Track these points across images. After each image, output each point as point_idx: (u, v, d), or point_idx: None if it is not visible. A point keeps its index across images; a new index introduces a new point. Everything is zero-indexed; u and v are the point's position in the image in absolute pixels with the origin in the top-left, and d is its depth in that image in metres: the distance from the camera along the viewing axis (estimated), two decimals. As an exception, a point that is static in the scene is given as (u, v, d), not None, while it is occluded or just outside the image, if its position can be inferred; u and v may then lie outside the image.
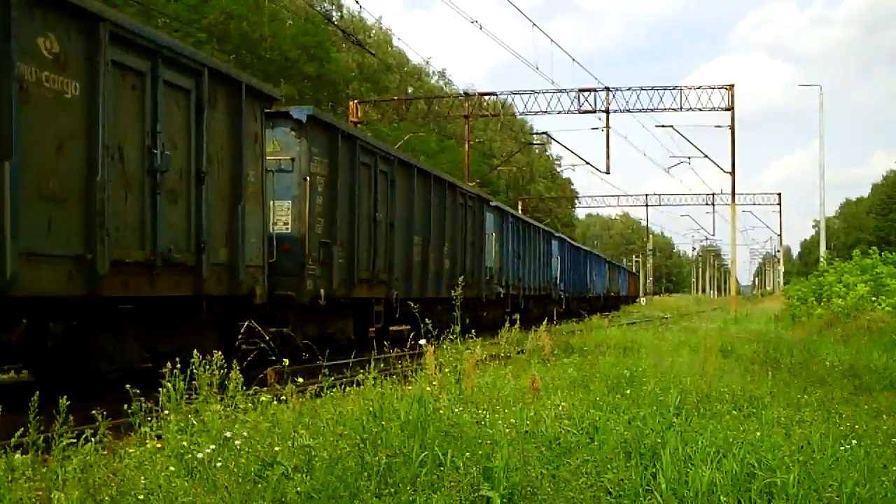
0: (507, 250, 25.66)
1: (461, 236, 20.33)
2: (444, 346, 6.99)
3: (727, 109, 34.11)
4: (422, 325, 6.59)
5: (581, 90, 34.34)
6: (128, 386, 5.01)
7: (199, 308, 9.96)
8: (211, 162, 9.91)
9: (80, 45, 7.88)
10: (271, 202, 11.76)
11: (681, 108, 34.03)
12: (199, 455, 4.31)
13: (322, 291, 12.79)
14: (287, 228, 12.38)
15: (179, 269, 9.36)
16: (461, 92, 46.58)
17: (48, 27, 7.49)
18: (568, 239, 41.28)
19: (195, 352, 5.42)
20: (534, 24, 63.57)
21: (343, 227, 13.67)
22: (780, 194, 60.95)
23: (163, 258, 8.97)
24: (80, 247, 7.81)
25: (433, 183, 18.24)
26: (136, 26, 9.04)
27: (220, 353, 5.55)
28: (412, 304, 8.35)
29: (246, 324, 6.95)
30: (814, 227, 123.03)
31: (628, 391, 7.30)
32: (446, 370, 6.86)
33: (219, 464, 4.17)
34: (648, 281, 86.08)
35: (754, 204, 60.86)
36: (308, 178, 12.49)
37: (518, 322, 13.98)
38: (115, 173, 8.30)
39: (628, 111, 34.06)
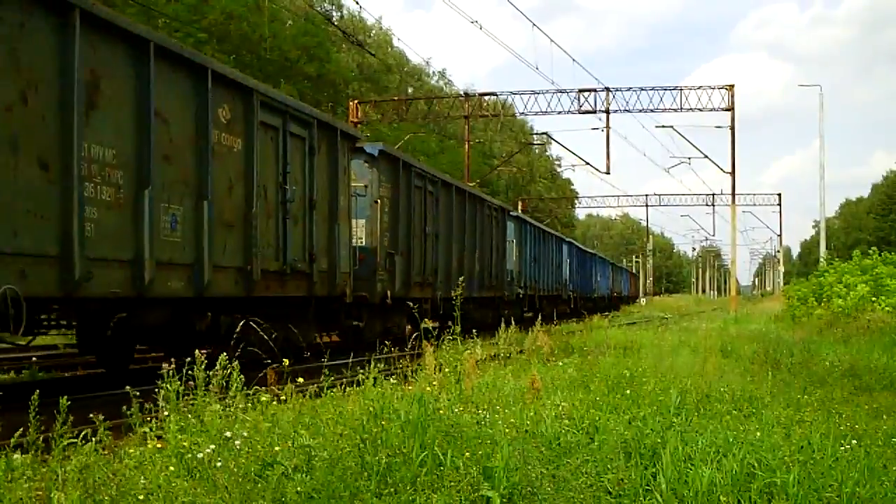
0: (525, 255, 28.29)
1: (488, 243, 23.14)
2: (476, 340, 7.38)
3: (727, 109, 34.10)
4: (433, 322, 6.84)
5: (581, 90, 34.35)
6: (127, 388, 5.02)
7: (308, 304, 12.74)
8: (319, 192, 12.67)
9: (242, 112, 10.64)
10: (353, 221, 14.40)
11: (681, 108, 34.04)
12: (199, 455, 4.31)
13: (388, 293, 15.44)
14: (362, 242, 15.15)
15: (300, 276, 12.10)
16: (461, 92, 46.58)
17: (224, 100, 10.25)
18: (576, 243, 44.03)
19: (197, 352, 5.43)
20: (534, 25, 63.67)
21: (403, 239, 16.47)
22: (780, 194, 60.94)
23: (291, 267, 11.73)
24: (242, 260, 10.56)
25: (466, 198, 21.19)
26: (274, 93, 12.04)
27: (224, 354, 5.55)
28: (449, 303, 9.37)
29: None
30: (814, 227, 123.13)
31: (628, 391, 7.30)
32: (446, 370, 6.86)
33: (219, 464, 4.17)
34: (648, 281, 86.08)
35: (754, 204, 60.88)
36: (378, 201, 15.42)
37: (539, 319, 16.00)
38: (262, 205, 11.07)
39: (628, 111, 34.08)
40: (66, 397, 4.48)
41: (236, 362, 5.58)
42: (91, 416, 4.66)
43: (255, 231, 10.67)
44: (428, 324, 13.78)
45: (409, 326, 16.29)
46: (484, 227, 22.69)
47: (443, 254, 18.97)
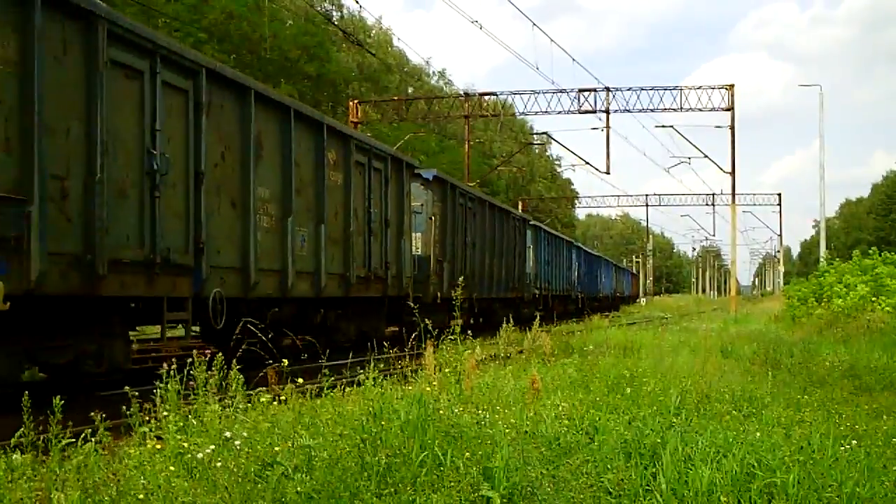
0: (541, 259, 31.56)
1: (512, 250, 26.48)
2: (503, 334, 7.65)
3: (727, 109, 34.10)
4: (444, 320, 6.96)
5: (581, 90, 34.35)
6: (127, 388, 5.02)
7: (382, 303, 15.94)
8: (391, 213, 15.92)
9: (342, 154, 13.87)
10: (412, 234, 17.50)
11: (681, 108, 34.03)
12: (199, 455, 4.31)
13: (438, 294, 18.63)
14: (419, 251, 18.34)
15: (378, 280, 15.25)
16: (461, 92, 46.61)
17: (332, 147, 13.40)
18: (584, 247, 48.19)
19: (194, 352, 5.45)
20: (534, 24, 63.53)
21: (449, 249, 19.85)
22: (780, 194, 60.93)
23: (374, 274, 14.99)
24: (342, 269, 13.79)
25: (496, 211, 25.10)
26: (364, 137, 16.26)
27: (220, 354, 5.56)
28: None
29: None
30: (814, 227, 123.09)
31: (628, 391, 7.30)
32: (446, 370, 6.86)
33: (219, 464, 4.17)
34: (648, 281, 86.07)
35: (754, 204, 60.91)
36: (432, 218, 18.89)
37: (554, 317, 20.59)
38: (355, 226, 14.25)
39: (628, 111, 34.07)
40: (59, 397, 4.48)
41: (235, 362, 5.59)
42: (92, 415, 4.66)
43: (351, 246, 14.00)
44: (457, 322, 16.26)
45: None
46: (508, 236, 26.03)
47: (478, 260, 22.44)
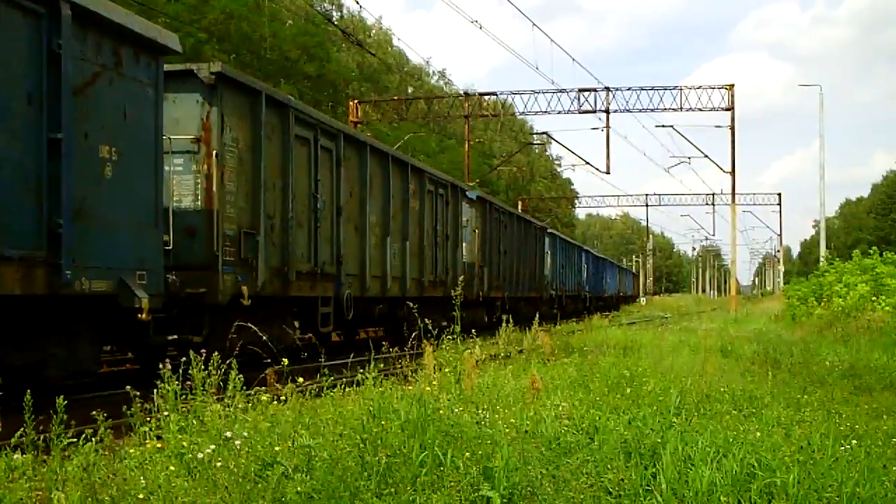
0: (556, 263, 35.36)
1: (534, 255, 30.49)
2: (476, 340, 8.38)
3: (727, 109, 34.11)
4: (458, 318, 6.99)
5: (581, 90, 34.35)
6: (128, 387, 5.03)
7: (444, 301, 17.60)
8: (450, 228, 19.98)
9: (419, 185, 17.92)
10: (462, 244, 21.15)
11: (681, 108, 34.05)
12: (199, 455, 4.31)
13: (480, 293, 22.52)
14: (466, 259, 21.46)
15: (441, 283, 18.90)
16: (461, 92, 46.56)
17: (412, 180, 17.39)
18: (592, 251, 52.69)
19: (190, 352, 5.48)
20: (534, 24, 63.53)
21: (488, 255, 23.77)
22: (780, 194, 60.94)
23: (439, 278, 18.86)
24: (418, 274, 17.65)
25: (522, 222, 29.10)
26: (434, 171, 20.27)
27: (216, 354, 5.57)
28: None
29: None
30: (814, 227, 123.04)
31: (628, 391, 7.30)
32: (446, 370, 6.86)
33: (219, 464, 4.17)
34: (648, 281, 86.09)
35: (754, 204, 60.91)
36: (476, 230, 22.57)
37: (561, 314, 26.63)
38: (427, 240, 18.31)
39: (628, 111, 34.08)
40: (62, 397, 4.48)
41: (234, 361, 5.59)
42: (93, 414, 4.66)
43: (425, 257, 18.03)
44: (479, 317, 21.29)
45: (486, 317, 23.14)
46: (530, 243, 29.92)
47: (511, 265, 26.39)
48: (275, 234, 11.42)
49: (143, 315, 7.80)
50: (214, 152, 10.06)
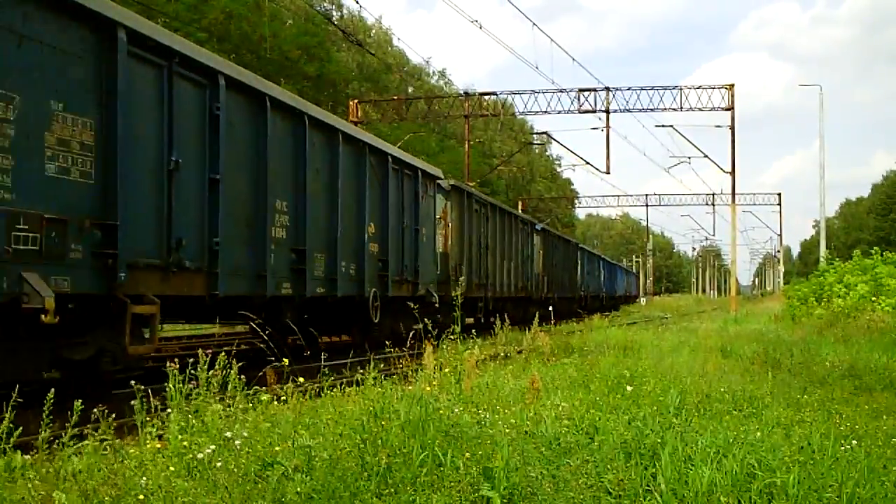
0: (584, 270, 45.00)
1: (571, 266, 39.88)
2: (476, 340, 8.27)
3: (727, 109, 34.10)
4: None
5: (581, 90, 34.35)
6: (133, 382, 5.03)
7: (530, 301, 26.84)
8: (514, 248, 27.20)
9: (458, 201, 21.24)
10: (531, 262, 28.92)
11: (681, 108, 34.03)
12: (200, 455, 4.31)
13: (542, 294, 30.49)
14: (536, 270, 30.67)
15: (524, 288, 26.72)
16: (461, 92, 46.53)
17: (446, 197, 20.63)
18: (606, 258, 62.10)
19: (200, 351, 5.48)
20: (534, 24, 63.53)
21: (550, 268, 32.80)
22: (780, 194, 60.95)
23: (523, 283, 28.22)
24: (481, 279, 22.86)
25: (563, 241, 38.11)
26: (477, 193, 23.73)
27: (223, 354, 5.57)
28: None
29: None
30: (814, 227, 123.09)
31: (628, 391, 7.29)
32: (446, 370, 6.86)
33: (219, 464, 4.17)
34: (648, 281, 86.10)
35: (754, 204, 60.93)
36: (541, 251, 31.71)
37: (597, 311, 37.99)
38: (479, 252, 22.35)
39: (628, 111, 34.07)
40: (79, 401, 4.48)
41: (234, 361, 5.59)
42: (95, 411, 4.67)
43: (485, 266, 23.58)
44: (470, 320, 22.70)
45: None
46: (569, 256, 39.36)
47: (557, 275, 34.18)
48: (471, 262, 21.75)
49: (437, 304, 16.71)
50: (449, 225, 20.52)
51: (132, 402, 4.96)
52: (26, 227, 6.86)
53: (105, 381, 8.00)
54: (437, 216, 18.87)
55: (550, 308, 22.80)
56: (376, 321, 14.21)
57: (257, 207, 10.60)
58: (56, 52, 7.32)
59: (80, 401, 4.49)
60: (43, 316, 6.63)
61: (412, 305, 9.46)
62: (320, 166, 12.37)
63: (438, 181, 18.87)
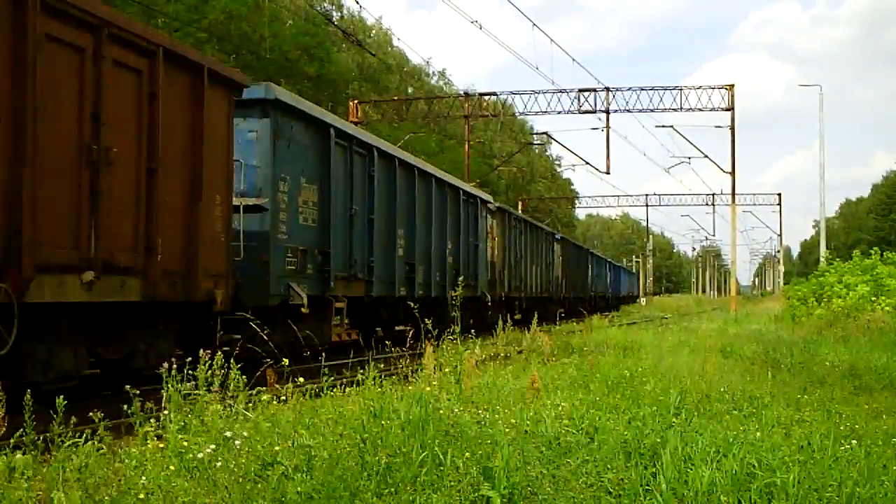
0: (593, 274, 49.17)
1: (584, 269, 43.82)
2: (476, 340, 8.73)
3: (727, 109, 34.09)
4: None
5: (581, 90, 34.34)
6: (127, 387, 5.03)
7: (551, 301, 31.37)
8: (540, 256, 31.38)
9: (501, 219, 25.40)
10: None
11: (681, 108, 34.03)
12: (200, 455, 4.31)
13: (560, 295, 33.34)
14: (556, 274, 34.83)
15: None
16: (461, 92, 46.52)
17: (493, 216, 24.47)
18: (612, 261, 67.60)
19: (201, 350, 5.49)
20: (534, 24, 63.49)
21: (566, 272, 36.13)
22: (780, 194, 60.95)
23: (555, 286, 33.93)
24: (518, 282, 27.52)
25: (576, 247, 42.24)
26: (513, 211, 29.68)
27: (220, 353, 5.58)
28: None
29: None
30: (814, 227, 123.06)
31: (628, 391, 7.29)
32: (446, 370, 6.86)
33: (219, 463, 4.17)
34: (648, 281, 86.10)
35: (754, 204, 60.96)
36: (560, 257, 35.68)
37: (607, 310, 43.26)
38: (516, 260, 26.97)
39: (628, 111, 34.06)
40: (62, 397, 4.48)
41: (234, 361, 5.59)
42: (91, 415, 4.66)
43: (510, 270, 25.83)
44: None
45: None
46: (581, 261, 42.34)
47: (570, 276, 36.48)
48: (511, 269, 26.18)
49: (489, 303, 22.00)
50: (495, 238, 24.33)
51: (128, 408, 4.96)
52: (291, 256, 11.68)
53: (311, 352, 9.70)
54: (487, 232, 23.72)
55: (560, 308, 27.96)
56: (453, 314, 17.89)
57: (390, 235, 15.68)
58: (301, 146, 12.12)
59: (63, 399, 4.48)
60: (302, 309, 11.34)
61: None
62: (421, 202, 17.48)
63: (488, 204, 23.99)
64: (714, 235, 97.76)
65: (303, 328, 10.59)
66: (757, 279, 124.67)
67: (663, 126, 36.89)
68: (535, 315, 15.23)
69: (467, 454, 4.58)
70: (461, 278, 17.08)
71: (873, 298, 21.43)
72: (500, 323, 12.17)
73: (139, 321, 8.42)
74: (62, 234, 6.97)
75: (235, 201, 10.11)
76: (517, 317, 24.03)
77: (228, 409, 5.27)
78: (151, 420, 5.03)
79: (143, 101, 7.95)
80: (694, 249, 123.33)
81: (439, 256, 18.55)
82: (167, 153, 8.25)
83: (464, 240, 20.60)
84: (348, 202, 13.62)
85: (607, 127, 34.26)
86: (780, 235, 64.32)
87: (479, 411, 5.78)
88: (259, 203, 10.97)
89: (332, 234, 12.80)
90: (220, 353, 5.61)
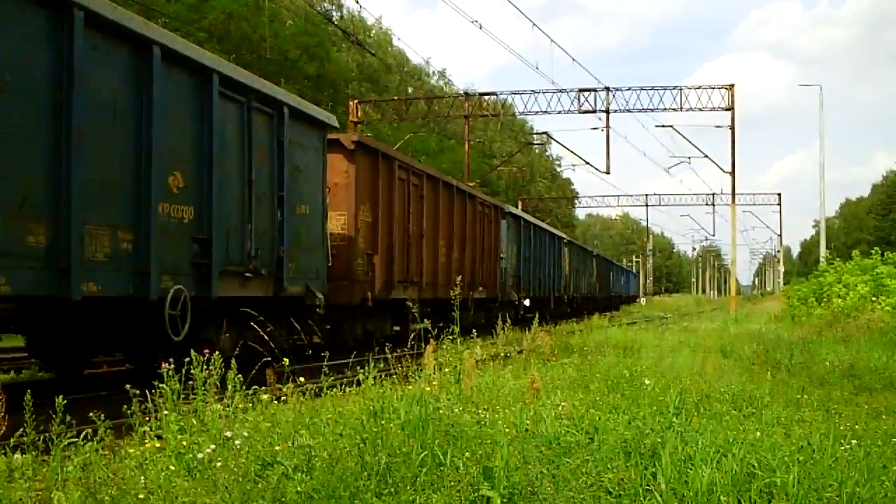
0: (604, 275, 54.35)
1: (588, 270, 46.43)
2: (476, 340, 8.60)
3: (727, 109, 34.09)
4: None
5: (581, 90, 34.34)
6: (127, 386, 5.02)
7: (560, 300, 36.20)
8: (549, 258, 34.03)
9: (515, 225, 28.64)
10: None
11: (681, 108, 34.03)
12: (200, 455, 4.31)
13: (568, 294, 37.59)
14: (564, 274, 37.89)
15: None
16: (461, 92, 46.50)
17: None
18: (623, 266, 77.44)
19: (192, 352, 5.46)
20: (534, 24, 63.58)
21: (573, 273, 39.03)
22: (779, 194, 60.99)
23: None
24: (529, 283, 30.78)
25: (583, 250, 46.67)
26: (525, 216, 31.68)
27: (217, 353, 5.57)
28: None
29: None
30: (814, 227, 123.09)
31: (628, 391, 7.29)
32: (446, 370, 6.86)
33: (219, 463, 4.17)
34: (648, 281, 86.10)
35: (754, 204, 60.97)
36: (567, 260, 37.92)
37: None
38: (527, 261, 30.32)
39: (628, 111, 34.07)
40: (62, 396, 4.48)
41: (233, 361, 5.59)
42: (91, 415, 4.66)
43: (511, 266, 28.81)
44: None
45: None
46: (601, 268, 50.25)
47: (584, 277, 41.29)
48: (530, 268, 29.59)
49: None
50: (566, 259, 35.59)
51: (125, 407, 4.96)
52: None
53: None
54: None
55: (563, 306, 33.21)
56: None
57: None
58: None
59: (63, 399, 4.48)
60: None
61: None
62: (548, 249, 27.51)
63: (564, 239, 31.30)
64: (714, 235, 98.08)
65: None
66: (757, 279, 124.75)
67: (663, 126, 36.91)
68: (536, 315, 16.00)
69: (467, 454, 4.58)
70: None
71: (873, 298, 21.42)
72: (500, 323, 12.50)
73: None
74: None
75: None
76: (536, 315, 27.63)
77: (227, 408, 5.26)
78: (151, 420, 5.03)
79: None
80: (694, 249, 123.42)
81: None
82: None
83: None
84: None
85: (607, 127, 34.30)
86: (780, 235, 64.40)
87: (479, 411, 5.78)
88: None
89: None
90: (216, 352, 5.60)
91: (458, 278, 8.15)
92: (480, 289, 22.80)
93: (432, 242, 19.23)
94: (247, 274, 10.63)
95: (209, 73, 9.94)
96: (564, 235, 39.57)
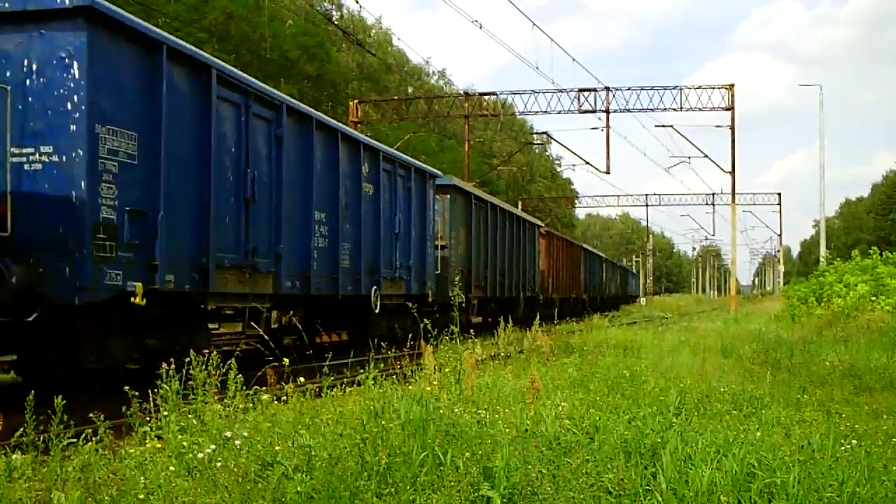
0: (607, 276, 55.79)
1: (599, 273, 50.36)
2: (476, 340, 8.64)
3: (727, 109, 34.10)
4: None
5: (581, 90, 34.34)
6: (126, 388, 5.02)
7: (576, 299, 40.46)
8: (571, 263, 40.11)
9: (548, 238, 34.08)
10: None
11: (681, 108, 34.03)
12: (200, 455, 4.31)
13: (582, 295, 42.45)
14: (580, 278, 44.19)
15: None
16: (461, 92, 46.53)
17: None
18: (626, 267, 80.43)
19: (191, 351, 5.47)
20: (534, 25, 63.50)
21: (587, 276, 44.05)
22: (779, 194, 60.92)
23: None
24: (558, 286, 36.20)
25: (595, 255, 49.83)
26: (555, 232, 39.31)
27: (215, 353, 5.57)
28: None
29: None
30: (814, 227, 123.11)
31: (628, 391, 7.29)
32: (446, 370, 6.86)
33: (219, 463, 4.17)
34: (648, 281, 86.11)
35: (754, 204, 60.89)
36: (582, 265, 42.75)
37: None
38: (557, 267, 36.34)
39: (628, 111, 34.06)
40: (60, 397, 4.48)
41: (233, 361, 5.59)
42: (91, 415, 4.66)
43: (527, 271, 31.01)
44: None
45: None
46: (616, 273, 59.26)
47: (598, 278, 47.12)
48: (487, 259, 24.19)
49: (540, 300, 30.05)
50: (543, 252, 31.82)
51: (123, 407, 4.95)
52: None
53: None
54: (539, 249, 30.90)
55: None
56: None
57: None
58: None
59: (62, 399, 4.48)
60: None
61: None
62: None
63: (539, 227, 31.13)
64: (714, 235, 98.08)
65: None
66: (757, 279, 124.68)
67: (663, 126, 36.91)
68: (537, 315, 16.53)
69: (467, 454, 4.58)
70: (533, 287, 24.51)
71: (873, 298, 21.42)
72: (502, 323, 13.06)
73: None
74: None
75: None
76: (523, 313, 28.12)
77: (227, 408, 5.26)
78: (151, 420, 5.03)
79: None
80: (694, 249, 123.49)
81: (525, 271, 28.45)
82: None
83: (530, 258, 29.61)
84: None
85: (607, 127, 34.29)
86: (780, 235, 64.33)
87: (479, 411, 5.78)
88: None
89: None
90: (215, 352, 5.60)
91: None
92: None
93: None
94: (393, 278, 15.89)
95: (376, 152, 15.19)
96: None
